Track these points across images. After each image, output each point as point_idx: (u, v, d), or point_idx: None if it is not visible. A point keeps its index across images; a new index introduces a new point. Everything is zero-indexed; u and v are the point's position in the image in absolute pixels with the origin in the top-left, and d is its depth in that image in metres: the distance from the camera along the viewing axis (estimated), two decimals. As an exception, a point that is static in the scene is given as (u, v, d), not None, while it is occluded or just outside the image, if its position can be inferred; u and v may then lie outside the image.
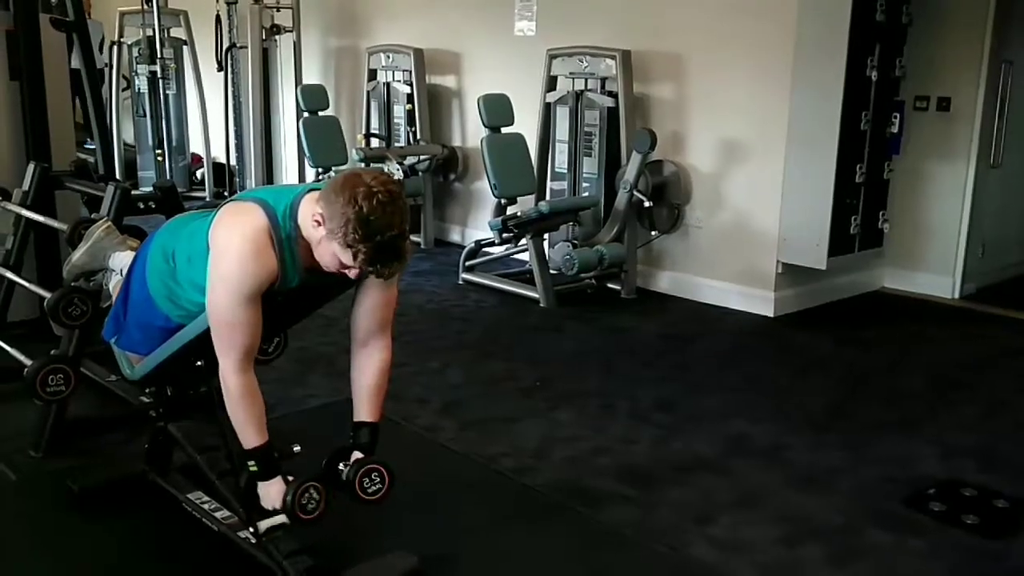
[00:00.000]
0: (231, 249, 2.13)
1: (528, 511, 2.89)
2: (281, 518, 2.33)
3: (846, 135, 4.72)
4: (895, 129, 5.05)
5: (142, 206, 3.38)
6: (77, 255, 2.81)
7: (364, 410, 2.36)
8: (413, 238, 6.57)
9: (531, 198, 5.60)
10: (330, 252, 2.08)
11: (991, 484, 3.07)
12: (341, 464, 2.33)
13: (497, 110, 5.56)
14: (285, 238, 2.15)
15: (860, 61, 4.72)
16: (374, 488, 2.28)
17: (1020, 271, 5.87)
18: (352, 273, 2.12)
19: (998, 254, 5.61)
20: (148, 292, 2.44)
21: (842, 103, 4.64)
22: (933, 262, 5.46)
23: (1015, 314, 5.15)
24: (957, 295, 5.43)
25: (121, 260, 2.73)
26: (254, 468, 2.24)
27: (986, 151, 5.28)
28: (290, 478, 2.25)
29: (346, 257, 2.05)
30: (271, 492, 2.24)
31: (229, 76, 7.73)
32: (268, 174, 7.56)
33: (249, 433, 2.21)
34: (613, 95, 5.34)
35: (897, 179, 5.24)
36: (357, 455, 2.33)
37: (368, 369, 2.35)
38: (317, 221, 2.08)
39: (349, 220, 1.99)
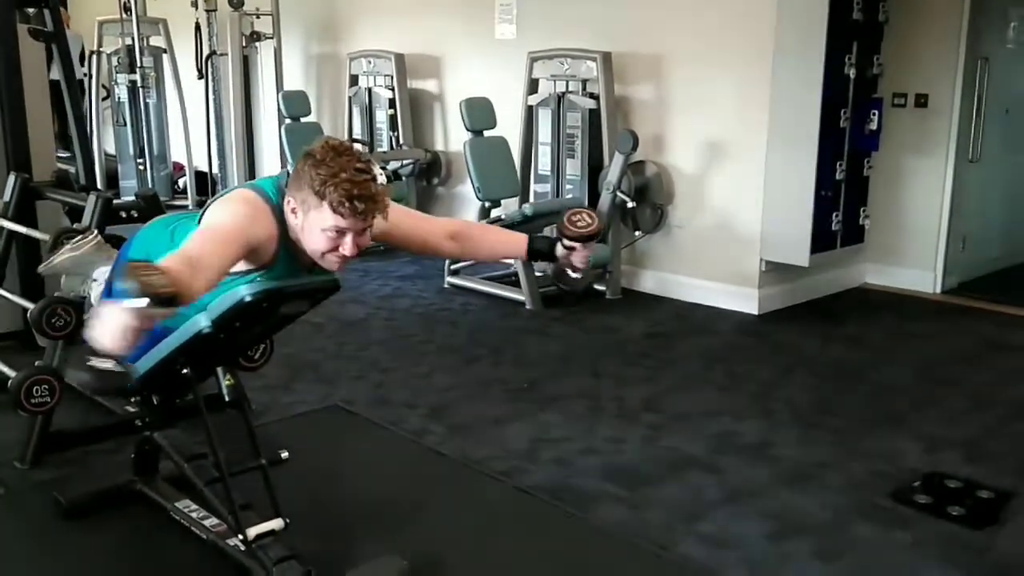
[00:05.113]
0: (230, 206, 2.15)
1: (518, 513, 2.90)
2: (270, 524, 2.33)
3: (826, 133, 4.75)
4: (874, 126, 5.08)
5: (124, 215, 3.37)
6: (61, 258, 2.78)
7: (516, 241, 2.50)
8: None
9: (515, 201, 5.61)
10: (313, 230, 2.08)
11: (976, 476, 3.09)
12: (551, 247, 2.44)
13: (479, 113, 5.57)
14: (283, 222, 2.17)
15: (838, 59, 4.75)
16: (584, 223, 2.36)
17: (1001, 264, 5.91)
18: (346, 247, 2.08)
19: (979, 248, 5.66)
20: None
21: (821, 101, 4.68)
22: (914, 257, 5.50)
23: (997, 307, 5.20)
24: (939, 289, 5.47)
25: (105, 272, 2.71)
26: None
27: (964, 146, 5.33)
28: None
29: (325, 216, 2.04)
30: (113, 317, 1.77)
31: (210, 84, 7.71)
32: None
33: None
34: (595, 97, 5.36)
35: (877, 175, 5.28)
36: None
37: (477, 238, 2.52)
38: (292, 210, 2.12)
39: (311, 175, 2.04)
